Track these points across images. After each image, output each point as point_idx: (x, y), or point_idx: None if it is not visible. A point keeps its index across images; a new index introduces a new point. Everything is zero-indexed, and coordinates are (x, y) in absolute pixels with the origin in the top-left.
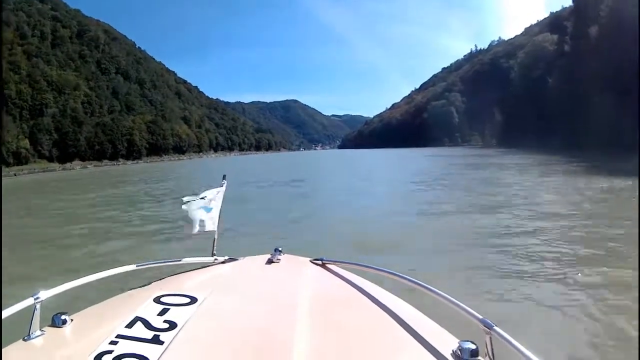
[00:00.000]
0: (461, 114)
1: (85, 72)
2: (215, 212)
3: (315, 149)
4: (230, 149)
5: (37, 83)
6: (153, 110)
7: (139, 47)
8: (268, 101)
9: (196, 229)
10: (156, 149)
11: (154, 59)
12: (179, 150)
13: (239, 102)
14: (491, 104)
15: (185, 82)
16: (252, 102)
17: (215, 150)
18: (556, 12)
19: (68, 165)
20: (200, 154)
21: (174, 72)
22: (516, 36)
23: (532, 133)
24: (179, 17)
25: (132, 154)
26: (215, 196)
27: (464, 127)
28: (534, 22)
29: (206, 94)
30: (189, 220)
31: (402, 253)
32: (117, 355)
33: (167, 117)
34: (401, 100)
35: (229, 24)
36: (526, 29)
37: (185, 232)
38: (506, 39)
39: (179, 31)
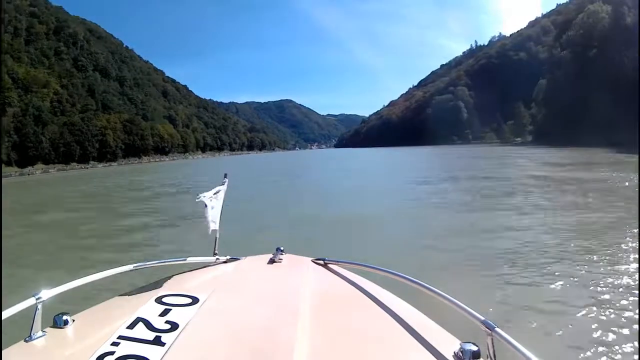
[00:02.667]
0: (470, 109)
1: (58, 69)
2: (217, 211)
3: (310, 148)
4: (220, 149)
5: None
6: (133, 109)
7: (126, 46)
8: (262, 101)
9: (211, 227)
10: (134, 150)
11: (140, 57)
12: (161, 150)
13: (233, 102)
14: (508, 97)
15: (173, 81)
16: (246, 103)
17: (203, 151)
18: None
19: (27, 169)
20: (186, 154)
21: (162, 71)
22: (521, 29)
23: (591, 126)
24: (176, 19)
25: (106, 155)
26: (216, 195)
27: (474, 123)
28: (539, 15)
29: (197, 94)
30: (206, 221)
31: None
32: (119, 357)
33: (150, 116)
34: (399, 97)
35: (224, 26)
36: (531, 22)
37: (208, 231)
38: (508, 34)
39: (175, 33)
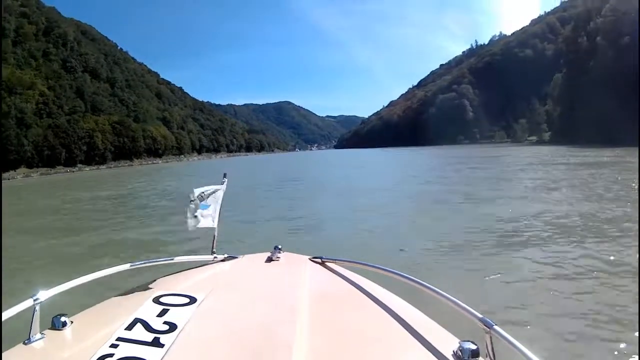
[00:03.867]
0: (476, 108)
1: (45, 71)
2: (215, 210)
3: (310, 149)
4: (217, 151)
5: None
6: (124, 110)
7: (120, 48)
8: (261, 103)
9: (195, 224)
10: (125, 152)
11: (134, 59)
12: (154, 153)
13: (231, 104)
14: (515, 95)
15: (168, 83)
16: (244, 105)
17: (199, 153)
18: None
19: (9, 174)
20: (180, 156)
21: (156, 72)
22: (525, 27)
23: (623, 121)
24: (175, 23)
25: (94, 158)
26: (215, 194)
27: (481, 121)
28: (541, 14)
29: (195, 96)
30: (188, 216)
31: None
32: (118, 359)
33: (142, 117)
34: (399, 97)
35: (222, 28)
36: (533, 20)
37: (188, 227)
38: (510, 33)
39: (173, 35)
